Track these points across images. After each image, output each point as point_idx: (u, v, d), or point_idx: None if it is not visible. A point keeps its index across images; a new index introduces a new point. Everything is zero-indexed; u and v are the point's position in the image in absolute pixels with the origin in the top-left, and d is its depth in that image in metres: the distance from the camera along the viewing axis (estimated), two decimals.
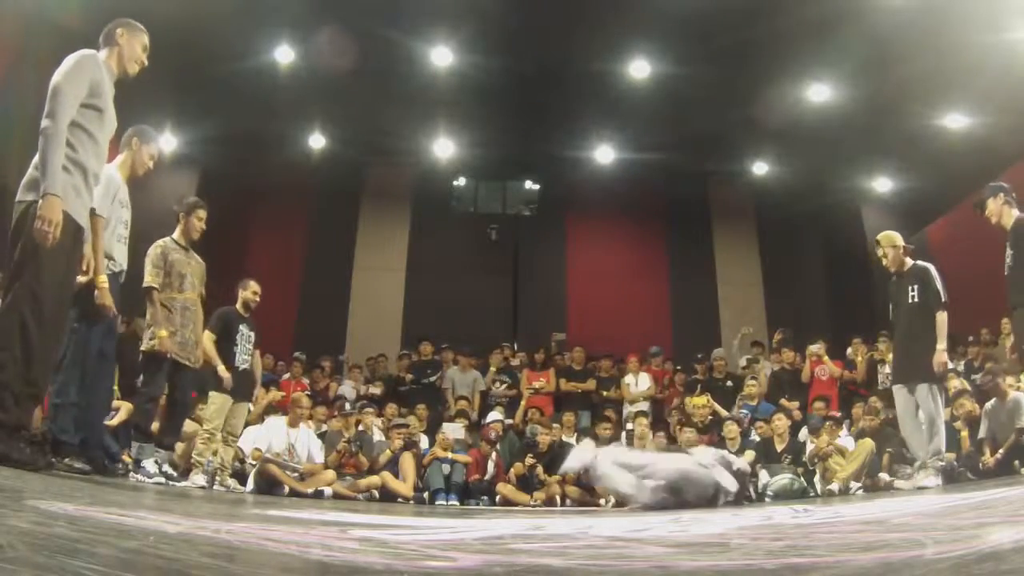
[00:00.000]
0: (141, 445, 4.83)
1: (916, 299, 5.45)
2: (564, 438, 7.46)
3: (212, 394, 5.75)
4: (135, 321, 6.41)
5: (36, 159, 3.16)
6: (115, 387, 5.61)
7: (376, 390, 9.12)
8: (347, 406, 7.47)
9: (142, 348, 4.96)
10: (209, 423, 5.69)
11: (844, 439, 7.04)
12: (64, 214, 3.11)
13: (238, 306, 6.04)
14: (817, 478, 6.76)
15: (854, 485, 6.22)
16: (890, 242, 5.68)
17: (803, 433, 7.60)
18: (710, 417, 8.15)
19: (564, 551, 1.74)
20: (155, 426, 5.31)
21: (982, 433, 6.01)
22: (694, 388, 8.86)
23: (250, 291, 6.08)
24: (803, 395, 8.42)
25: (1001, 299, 5.19)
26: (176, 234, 5.25)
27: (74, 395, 4.12)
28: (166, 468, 5.09)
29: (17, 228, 3.16)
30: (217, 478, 5.77)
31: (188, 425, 5.92)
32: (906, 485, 5.49)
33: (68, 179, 3.17)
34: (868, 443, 6.36)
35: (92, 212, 3.68)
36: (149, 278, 5.00)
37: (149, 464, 4.77)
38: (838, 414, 7.65)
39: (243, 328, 5.96)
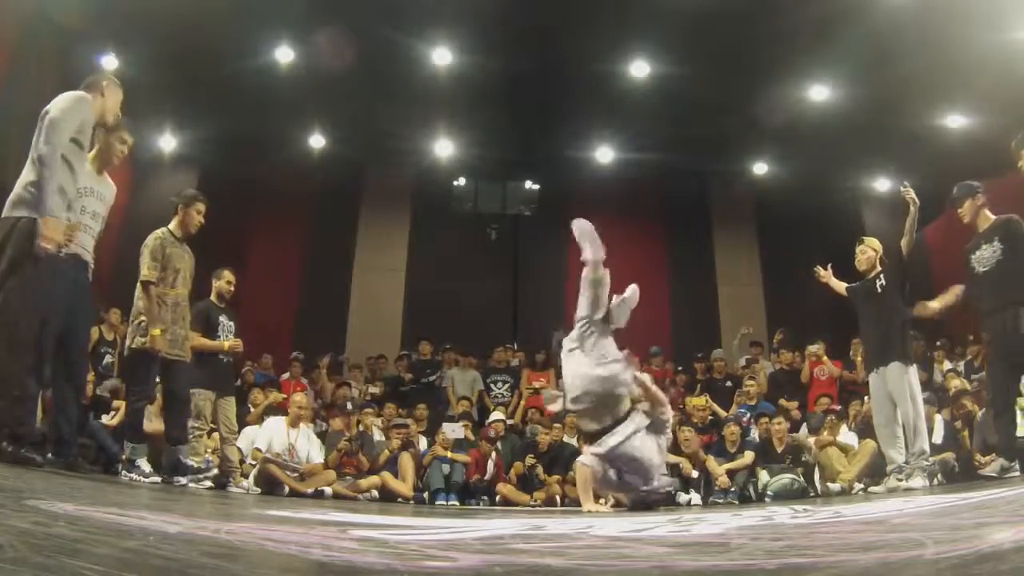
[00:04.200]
0: (134, 445, 4.77)
1: (884, 284, 5.55)
2: (564, 438, 7.46)
3: (195, 390, 5.62)
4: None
5: (24, 179, 3.52)
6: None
7: (376, 390, 9.12)
8: (348, 405, 7.47)
9: (130, 345, 4.81)
10: (196, 419, 5.60)
11: (846, 435, 7.04)
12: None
13: (213, 297, 5.92)
14: (817, 478, 6.76)
15: (856, 485, 6.22)
16: (872, 246, 5.86)
17: (803, 431, 7.59)
18: (710, 418, 8.15)
19: (564, 551, 1.74)
20: (158, 426, 5.31)
21: (975, 444, 6.00)
22: (694, 388, 8.85)
23: (224, 280, 5.96)
24: (802, 396, 8.40)
25: None
26: (172, 225, 5.08)
27: (72, 393, 4.13)
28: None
29: (3, 241, 3.45)
30: (231, 479, 5.75)
31: None
32: (881, 489, 5.37)
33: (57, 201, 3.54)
34: (870, 444, 6.35)
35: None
36: (147, 271, 4.82)
37: (144, 464, 4.73)
38: (838, 407, 7.64)
39: (222, 319, 5.86)
